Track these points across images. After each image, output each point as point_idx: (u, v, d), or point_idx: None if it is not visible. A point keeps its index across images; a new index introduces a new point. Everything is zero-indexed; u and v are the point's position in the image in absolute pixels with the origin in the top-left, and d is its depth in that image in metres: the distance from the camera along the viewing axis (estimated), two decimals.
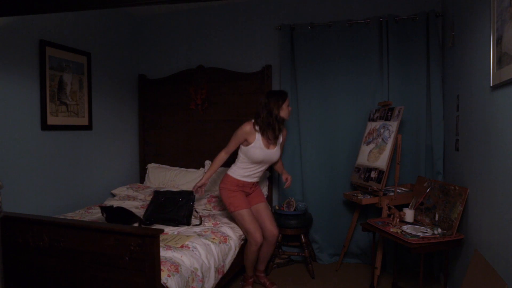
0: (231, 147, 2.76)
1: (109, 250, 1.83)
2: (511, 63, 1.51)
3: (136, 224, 2.45)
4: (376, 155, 2.92)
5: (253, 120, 2.71)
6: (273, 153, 2.73)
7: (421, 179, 2.77)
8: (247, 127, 2.67)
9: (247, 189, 2.83)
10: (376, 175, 2.84)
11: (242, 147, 2.73)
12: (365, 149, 3.06)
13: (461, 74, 2.46)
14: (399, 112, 2.83)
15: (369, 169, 2.95)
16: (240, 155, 2.77)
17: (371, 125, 3.09)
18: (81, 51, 3.31)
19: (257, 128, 2.67)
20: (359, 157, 3.14)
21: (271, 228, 2.77)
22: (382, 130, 2.92)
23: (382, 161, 2.84)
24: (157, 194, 2.96)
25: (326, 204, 3.40)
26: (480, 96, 2.01)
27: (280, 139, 2.80)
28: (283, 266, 3.36)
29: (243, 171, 2.77)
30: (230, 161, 2.90)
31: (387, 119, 2.93)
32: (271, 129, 2.66)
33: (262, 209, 2.84)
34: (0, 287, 1.72)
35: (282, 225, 3.18)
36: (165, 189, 3.33)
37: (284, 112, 2.69)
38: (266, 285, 2.88)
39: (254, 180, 2.84)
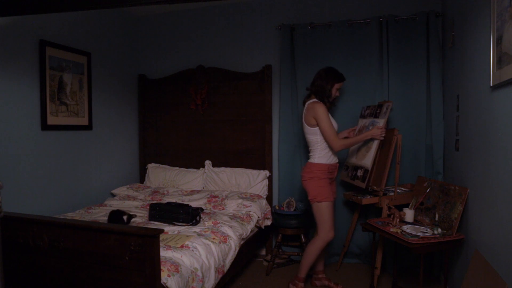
0: (332, 130, 2.63)
1: (109, 250, 1.82)
2: (511, 63, 1.51)
3: (125, 217, 2.51)
4: (363, 153, 2.91)
5: (315, 99, 2.71)
6: (335, 121, 2.78)
7: (421, 179, 2.77)
8: (321, 105, 2.66)
9: (334, 173, 2.78)
10: (362, 174, 2.85)
11: (317, 128, 2.67)
12: (354, 147, 3.04)
13: (461, 74, 2.46)
14: (386, 108, 2.81)
15: (356, 167, 2.95)
16: (316, 138, 2.68)
17: (361, 122, 3.04)
18: (81, 51, 3.31)
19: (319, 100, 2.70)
20: (349, 155, 3.14)
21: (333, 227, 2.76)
22: (370, 127, 2.86)
23: (368, 160, 2.82)
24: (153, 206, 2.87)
25: None
26: (480, 96, 2.01)
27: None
28: (283, 266, 3.36)
29: (327, 152, 2.69)
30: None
31: (376, 116, 2.90)
32: (325, 98, 2.71)
33: (333, 205, 2.78)
34: (0, 287, 1.72)
35: (282, 225, 3.18)
36: (162, 202, 3.14)
37: (332, 92, 2.73)
38: (331, 287, 2.88)
39: (336, 159, 2.77)
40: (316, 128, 2.65)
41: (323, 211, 2.65)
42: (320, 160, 2.69)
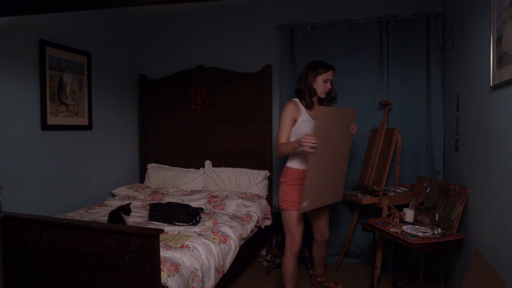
0: (284, 135, 2.36)
1: (109, 250, 1.82)
2: (511, 63, 1.51)
3: (122, 213, 2.53)
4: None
5: (293, 99, 2.47)
6: None
7: (421, 179, 2.77)
8: (290, 104, 2.41)
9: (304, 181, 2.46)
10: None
11: (292, 131, 2.42)
12: None
13: (461, 74, 2.46)
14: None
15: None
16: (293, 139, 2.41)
17: None
18: (81, 51, 3.31)
19: (297, 100, 2.45)
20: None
21: (326, 231, 2.70)
22: None
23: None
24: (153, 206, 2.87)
25: None
26: (480, 96, 2.01)
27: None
28: None
29: (299, 157, 2.42)
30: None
31: None
32: (302, 97, 2.43)
33: (322, 210, 2.64)
34: (0, 287, 1.72)
35: (282, 225, 3.18)
36: (162, 202, 3.10)
37: (318, 85, 2.42)
38: (330, 286, 2.86)
39: None
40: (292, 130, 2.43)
41: (287, 220, 2.45)
42: (292, 164, 2.47)
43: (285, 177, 2.47)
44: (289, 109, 2.39)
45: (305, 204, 2.26)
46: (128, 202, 2.65)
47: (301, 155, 2.38)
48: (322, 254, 2.80)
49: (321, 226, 2.70)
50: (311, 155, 2.13)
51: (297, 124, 2.40)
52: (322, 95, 2.45)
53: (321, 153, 2.20)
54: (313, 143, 2.05)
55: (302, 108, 2.42)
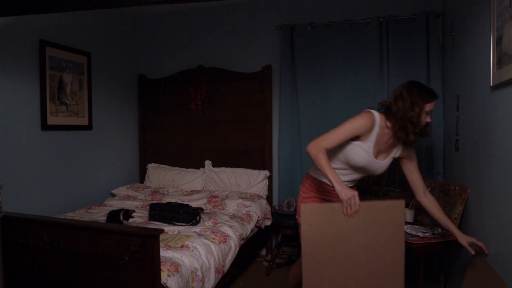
0: (332, 141, 1.82)
1: (109, 250, 1.83)
2: (511, 63, 1.51)
3: (121, 213, 2.51)
4: None
5: (376, 112, 1.87)
6: (380, 164, 1.93)
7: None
8: (368, 117, 1.83)
9: (331, 197, 2.00)
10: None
11: (351, 142, 1.92)
12: None
13: (461, 74, 2.46)
14: None
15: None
16: (339, 153, 1.95)
17: None
18: (81, 51, 3.31)
19: (382, 124, 1.86)
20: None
21: None
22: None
23: None
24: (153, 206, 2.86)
25: None
26: (480, 96, 2.01)
27: (399, 152, 1.96)
28: (283, 266, 3.36)
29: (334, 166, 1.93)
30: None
31: None
32: (399, 125, 1.82)
33: None
34: (0, 287, 1.72)
35: (282, 225, 3.18)
36: (162, 202, 3.10)
37: (423, 119, 1.83)
38: None
39: (345, 181, 1.99)
40: (352, 142, 1.89)
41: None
42: (314, 172, 2.06)
43: (304, 185, 2.10)
44: (364, 123, 1.83)
45: None
46: (132, 210, 2.64)
47: (339, 166, 1.96)
48: None
49: None
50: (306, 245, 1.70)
51: (354, 144, 1.87)
52: (418, 130, 1.84)
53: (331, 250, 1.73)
54: (355, 211, 1.64)
55: (373, 135, 1.86)
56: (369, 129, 1.85)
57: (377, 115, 1.87)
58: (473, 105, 2.16)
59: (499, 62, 1.65)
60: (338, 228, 1.71)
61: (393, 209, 1.73)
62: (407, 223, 2.53)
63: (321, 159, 1.76)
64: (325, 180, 1.97)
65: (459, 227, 2.31)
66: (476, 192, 2.10)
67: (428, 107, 1.81)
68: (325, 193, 2.03)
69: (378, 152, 1.92)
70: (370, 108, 1.92)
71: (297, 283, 2.22)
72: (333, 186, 1.71)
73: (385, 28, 3.14)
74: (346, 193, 1.64)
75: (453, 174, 2.70)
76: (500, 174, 1.70)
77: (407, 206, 2.67)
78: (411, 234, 2.27)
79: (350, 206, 1.63)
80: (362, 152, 1.87)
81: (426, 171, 3.09)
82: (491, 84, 1.77)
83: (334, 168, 1.83)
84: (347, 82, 3.28)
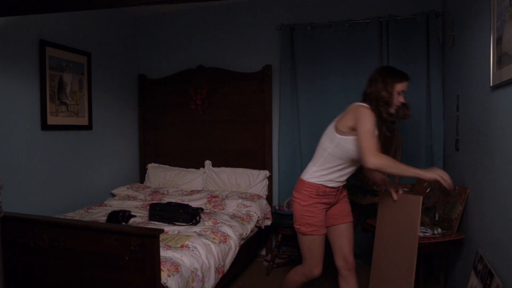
0: (373, 139, 1.85)
1: (109, 250, 1.82)
2: (511, 63, 1.51)
3: (120, 215, 2.53)
4: None
5: (364, 104, 1.98)
6: None
7: (421, 179, 2.77)
8: (370, 111, 1.92)
9: (330, 199, 2.08)
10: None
11: (338, 136, 1.96)
12: None
13: (461, 74, 2.46)
14: None
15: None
16: (331, 150, 1.99)
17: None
18: (81, 51, 3.31)
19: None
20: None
21: (350, 257, 2.14)
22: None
23: None
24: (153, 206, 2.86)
25: None
26: (480, 96, 2.01)
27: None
28: (283, 266, 3.36)
29: (328, 172, 2.02)
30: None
31: None
32: (376, 106, 1.94)
33: (346, 230, 2.15)
34: (0, 287, 1.72)
35: (282, 225, 3.18)
36: (162, 202, 3.10)
37: (396, 99, 1.96)
38: None
39: (341, 183, 2.09)
40: (344, 137, 1.95)
41: (306, 245, 2.06)
42: (312, 178, 2.04)
43: (300, 193, 2.05)
44: (374, 117, 1.90)
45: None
46: (134, 215, 2.65)
47: (334, 173, 2.02)
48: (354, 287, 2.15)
49: (343, 247, 2.14)
50: (377, 237, 2.25)
51: (352, 139, 1.93)
52: (393, 110, 1.98)
53: (386, 233, 2.23)
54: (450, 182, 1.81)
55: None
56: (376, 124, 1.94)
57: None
58: (473, 105, 2.16)
59: (499, 62, 1.65)
60: (395, 213, 2.15)
61: (415, 204, 2.10)
62: None
63: (393, 162, 1.89)
64: (324, 183, 2.03)
65: (459, 227, 2.31)
66: (476, 192, 2.11)
67: (399, 87, 1.95)
68: (325, 195, 2.05)
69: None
70: (352, 102, 2.08)
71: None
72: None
73: (385, 28, 3.14)
74: (432, 172, 1.82)
75: (453, 174, 2.69)
76: (500, 174, 1.70)
77: None
78: None
79: (444, 178, 1.80)
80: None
81: None
82: (491, 84, 1.78)
83: (335, 167, 2.00)
84: (347, 82, 3.27)
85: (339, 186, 2.09)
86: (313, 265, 2.08)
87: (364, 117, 1.88)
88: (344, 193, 2.18)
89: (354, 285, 2.15)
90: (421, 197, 2.09)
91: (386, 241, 2.23)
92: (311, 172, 2.06)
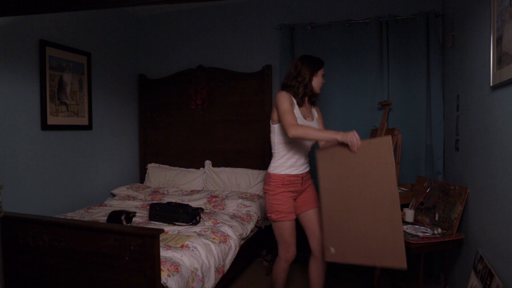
0: (294, 118, 2.08)
1: (109, 250, 1.82)
2: (511, 63, 1.51)
3: (123, 217, 2.51)
4: None
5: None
6: (311, 124, 2.24)
7: (421, 179, 2.77)
8: (285, 93, 2.19)
9: (297, 186, 2.26)
10: None
11: (273, 126, 2.27)
12: None
13: (461, 74, 2.46)
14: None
15: None
16: (275, 140, 2.27)
17: None
18: (81, 51, 3.32)
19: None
20: None
21: (321, 240, 2.26)
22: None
23: None
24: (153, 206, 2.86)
25: None
26: (480, 96, 2.01)
27: (316, 115, 2.36)
28: None
29: (285, 160, 2.23)
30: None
31: None
32: (294, 93, 2.22)
33: (315, 215, 2.30)
34: (0, 287, 1.72)
35: None
36: (162, 202, 3.10)
37: (316, 82, 2.26)
38: None
39: (302, 170, 2.27)
40: (277, 125, 2.23)
41: (278, 231, 2.26)
42: (275, 170, 2.24)
43: (269, 185, 2.25)
44: (287, 96, 2.16)
45: (332, 250, 2.02)
46: (134, 212, 2.65)
47: (289, 159, 2.22)
48: (320, 272, 2.33)
49: (315, 231, 2.29)
50: (322, 193, 2.04)
51: None
52: (319, 91, 2.30)
53: (337, 196, 2.00)
54: (358, 147, 1.88)
55: (295, 102, 2.21)
56: (292, 99, 2.19)
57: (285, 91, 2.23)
58: (473, 105, 2.16)
59: (499, 62, 1.65)
60: (341, 167, 2.00)
61: (381, 145, 1.89)
62: (407, 223, 2.53)
63: (306, 129, 2.03)
64: (288, 172, 2.22)
65: (459, 227, 2.31)
66: (476, 192, 2.10)
67: (320, 72, 2.27)
68: (290, 184, 2.23)
69: (306, 116, 2.26)
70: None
71: (277, 281, 2.40)
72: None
73: (385, 28, 3.14)
74: (346, 135, 1.91)
75: (453, 174, 2.70)
76: (500, 174, 1.70)
77: (407, 206, 2.67)
78: (411, 234, 2.27)
79: (354, 143, 1.88)
80: (299, 120, 2.12)
81: (426, 171, 3.10)
82: (491, 84, 1.77)
83: (287, 153, 2.22)
84: (347, 82, 3.28)
85: (302, 174, 2.27)
86: (285, 248, 2.27)
87: (279, 99, 2.15)
88: (310, 182, 2.36)
89: (323, 264, 2.33)
90: (390, 136, 1.86)
91: (347, 202, 1.96)
92: (273, 166, 2.27)
